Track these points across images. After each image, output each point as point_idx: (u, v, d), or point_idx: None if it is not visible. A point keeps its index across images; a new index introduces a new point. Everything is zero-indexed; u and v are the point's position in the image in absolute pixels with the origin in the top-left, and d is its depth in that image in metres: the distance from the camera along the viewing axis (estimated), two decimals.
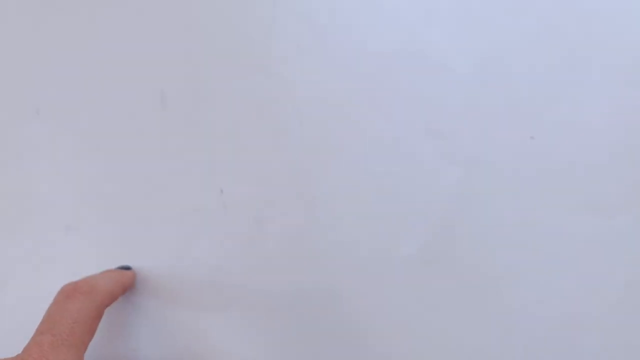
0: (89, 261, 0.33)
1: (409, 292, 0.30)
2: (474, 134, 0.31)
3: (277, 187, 0.32)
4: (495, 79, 0.31)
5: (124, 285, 0.30)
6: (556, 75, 0.31)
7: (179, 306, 0.31)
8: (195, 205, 0.31)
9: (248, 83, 0.33)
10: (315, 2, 0.33)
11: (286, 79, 0.33)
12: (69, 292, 0.27)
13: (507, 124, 0.30)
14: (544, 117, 0.30)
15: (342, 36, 0.32)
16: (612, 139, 0.30)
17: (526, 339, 0.29)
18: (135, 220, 0.32)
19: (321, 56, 0.33)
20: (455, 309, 0.29)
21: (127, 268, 0.32)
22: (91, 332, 0.27)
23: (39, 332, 0.25)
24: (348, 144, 0.31)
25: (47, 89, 0.36)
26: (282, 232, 0.31)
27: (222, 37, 0.34)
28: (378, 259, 0.30)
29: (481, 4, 0.32)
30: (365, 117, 0.32)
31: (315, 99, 0.32)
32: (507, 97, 0.31)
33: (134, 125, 0.34)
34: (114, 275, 0.30)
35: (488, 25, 0.31)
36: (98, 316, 0.27)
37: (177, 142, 0.33)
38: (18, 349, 0.25)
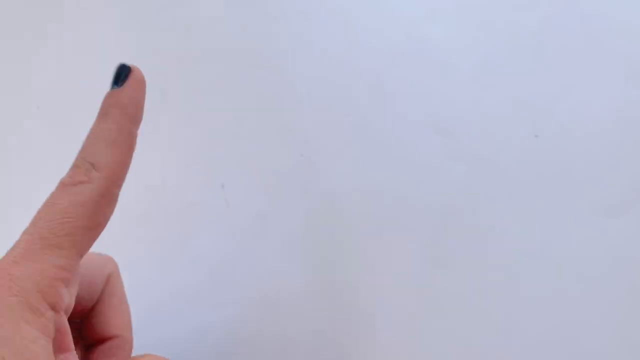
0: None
1: (414, 288, 0.30)
2: (479, 132, 0.31)
3: (279, 182, 0.32)
4: (500, 77, 0.31)
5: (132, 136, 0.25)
6: (560, 74, 0.31)
7: (179, 302, 0.31)
8: (196, 200, 0.31)
9: (251, 78, 0.33)
10: None
11: (289, 73, 0.33)
12: (61, 183, 0.22)
13: (512, 123, 0.30)
14: (548, 116, 0.30)
15: (346, 32, 0.32)
16: (616, 138, 0.30)
17: (529, 335, 0.28)
18: (137, 215, 0.32)
19: (325, 51, 0.33)
20: (458, 305, 0.29)
21: (123, 74, 0.25)
22: (93, 227, 0.21)
23: (22, 234, 0.21)
24: (352, 140, 0.31)
25: (47, 85, 0.36)
26: (284, 229, 0.31)
27: (225, 31, 0.34)
28: (382, 255, 0.30)
29: (486, 2, 0.32)
30: (369, 113, 0.32)
31: (319, 95, 0.32)
32: (512, 96, 0.31)
33: None
34: (115, 134, 0.24)
35: (493, 23, 0.32)
36: (104, 204, 0.22)
37: (178, 136, 0.33)
38: None
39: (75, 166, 0.22)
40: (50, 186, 0.35)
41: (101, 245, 0.33)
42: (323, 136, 0.32)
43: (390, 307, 0.30)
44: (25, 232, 0.21)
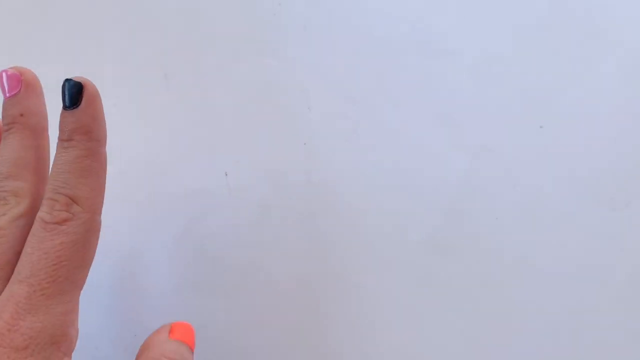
0: None
1: (417, 277, 0.30)
2: (483, 122, 0.31)
3: (283, 171, 0.31)
4: (505, 67, 0.31)
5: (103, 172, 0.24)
6: (566, 65, 0.30)
7: (181, 290, 0.31)
8: (198, 188, 0.31)
9: (255, 64, 0.33)
10: None
11: (293, 62, 0.32)
12: (44, 222, 0.21)
13: (516, 113, 0.30)
14: (553, 107, 0.30)
15: (350, 19, 0.32)
16: (621, 129, 0.29)
17: (532, 326, 0.29)
18: (137, 202, 0.32)
19: (329, 40, 0.32)
20: (462, 296, 0.29)
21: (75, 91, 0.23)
22: (87, 262, 0.22)
23: (15, 279, 0.21)
24: (356, 129, 0.31)
25: (49, 69, 0.36)
26: (287, 218, 0.31)
27: (229, 16, 0.34)
28: (386, 245, 0.30)
29: None
30: (373, 103, 0.31)
31: (323, 83, 0.32)
32: (517, 86, 0.31)
33: (137, 106, 0.33)
34: (90, 169, 0.23)
35: (498, 13, 0.31)
36: (94, 237, 0.22)
37: (181, 123, 0.33)
38: None
39: (53, 200, 0.22)
40: None
41: (105, 233, 0.33)
42: (326, 125, 0.32)
43: (393, 297, 0.30)
44: (22, 282, 0.21)
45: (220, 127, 0.32)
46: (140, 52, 0.34)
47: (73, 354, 0.22)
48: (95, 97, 0.23)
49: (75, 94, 0.23)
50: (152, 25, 0.34)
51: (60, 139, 0.23)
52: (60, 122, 0.23)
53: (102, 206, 0.23)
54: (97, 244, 0.23)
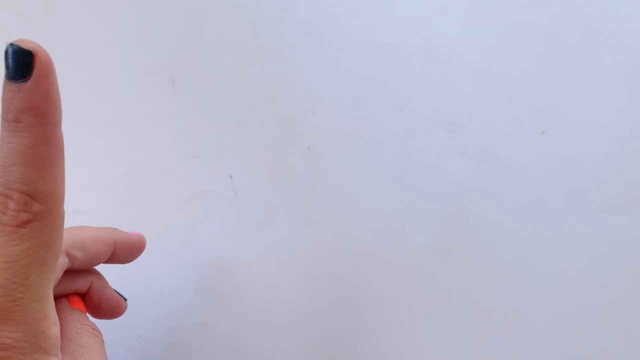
0: None
1: (419, 281, 0.30)
2: (485, 128, 0.31)
3: (287, 174, 0.32)
4: (508, 73, 0.31)
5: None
6: (568, 71, 0.30)
7: (185, 291, 0.31)
8: (204, 190, 0.31)
9: (260, 69, 0.33)
10: None
11: (298, 66, 0.32)
12: (4, 226, 0.18)
13: (519, 119, 0.30)
14: (555, 113, 0.30)
15: (355, 24, 0.32)
16: (623, 135, 0.29)
17: (533, 329, 0.29)
18: (143, 204, 0.32)
19: (334, 44, 0.32)
20: (463, 300, 0.29)
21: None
22: (56, 258, 0.19)
23: None
24: (359, 133, 0.31)
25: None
26: (292, 221, 0.31)
27: (234, 22, 0.34)
28: (388, 249, 0.30)
29: None
30: (377, 107, 0.32)
31: (327, 87, 0.32)
32: (520, 92, 0.31)
33: (144, 109, 0.33)
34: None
35: (501, 19, 0.31)
36: (59, 234, 0.19)
37: (187, 126, 0.33)
38: None
39: (5, 197, 0.18)
40: None
41: None
42: (330, 129, 0.32)
43: (395, 300, 0.30)
44: None
45: (226, 130, 0.33)
46: (147, 55, 0.34)
47: None
48: (50, 69, 0.18)
49: (24, 64, 0.18)
50: (160, 29, 0.34)
51: (5, 119, 0.18)
52: (3, 97, 0.18)
53: (64, 199, 0.20)
54: (62, 238, 0.20)
